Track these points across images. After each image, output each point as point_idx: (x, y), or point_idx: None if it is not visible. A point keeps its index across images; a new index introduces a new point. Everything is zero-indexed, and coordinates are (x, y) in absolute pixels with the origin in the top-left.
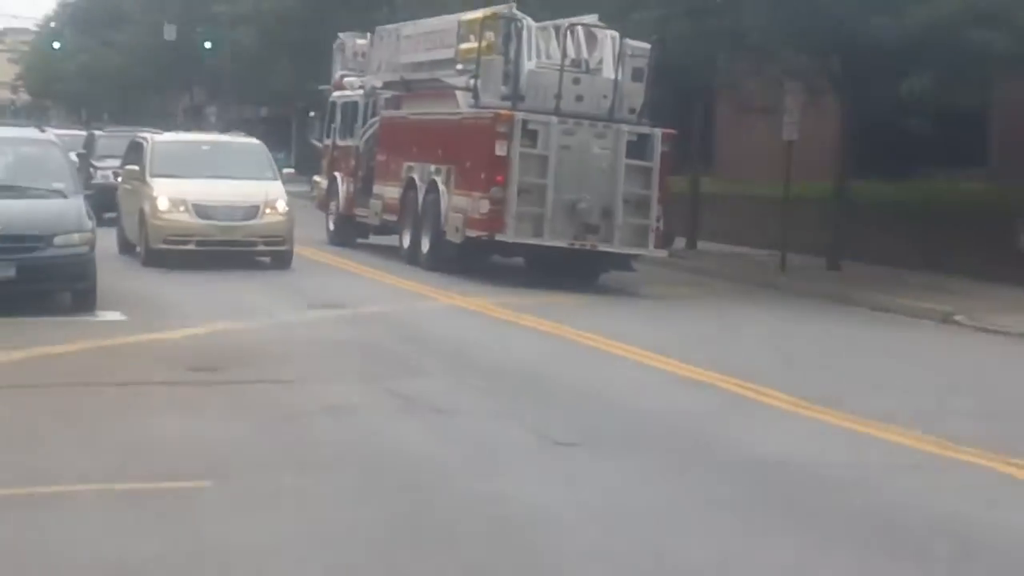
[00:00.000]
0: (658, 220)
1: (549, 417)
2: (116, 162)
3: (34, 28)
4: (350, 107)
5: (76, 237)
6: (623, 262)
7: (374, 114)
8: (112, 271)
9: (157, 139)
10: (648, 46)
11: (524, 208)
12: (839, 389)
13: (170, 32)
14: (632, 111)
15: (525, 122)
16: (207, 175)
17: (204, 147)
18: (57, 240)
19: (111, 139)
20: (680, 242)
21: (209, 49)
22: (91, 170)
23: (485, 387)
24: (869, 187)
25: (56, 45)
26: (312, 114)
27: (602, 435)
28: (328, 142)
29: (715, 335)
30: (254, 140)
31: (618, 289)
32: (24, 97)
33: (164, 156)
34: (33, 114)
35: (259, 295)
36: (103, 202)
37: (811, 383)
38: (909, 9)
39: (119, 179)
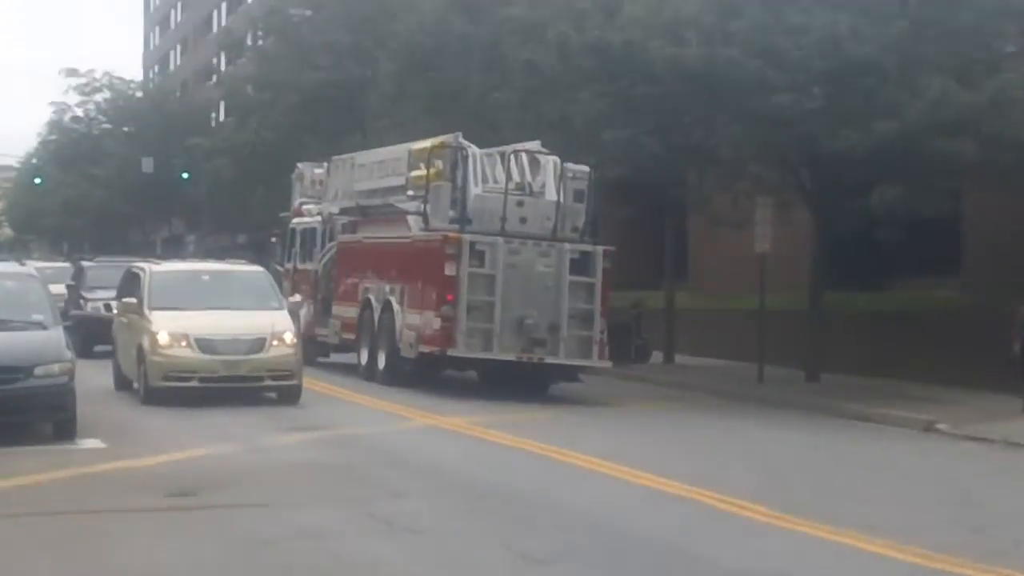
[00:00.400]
0: (602, 332)
1: (528, 535)
2: (106, 293)
3: (16, 164)
4: (309, 233)
5: (56, 367)
6: (570, 373)
7: (331, 239)
8: (95, 401)
9: (155, 269)
10: (587, 169)
11: (474, 324)
12: (822, 502)
13: (148, 165)
14: (575, 230)
15: (472, 243)
16: (209, 306)
17: (204, 277)
18: (37, 371)
19: (101, 269)
20: (657, 356)
21: (186, 180)
22: (80, 301)
23: (464, 507)
24: (844, 297)
25: (37, 181)
26: (274, 239)
27: (581, 552)
28: (289, 266)
29: (694, 448)
30: (257, 268)
31: (593, 402)
32: (6, 232)
33: (163, 287)
34: (15, 249)
35: (236, 418)
36: (94, 334)
37: (792, 496)
38: (876, 122)
39: (114, 311)
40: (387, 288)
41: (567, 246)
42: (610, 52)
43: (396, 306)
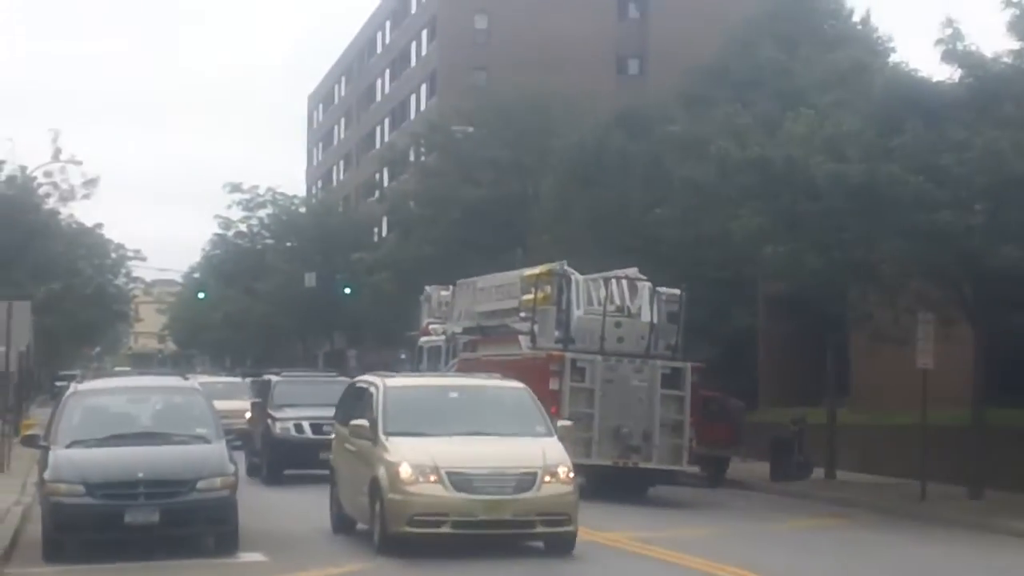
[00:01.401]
0: (691, 440)
1: None
2: (297, 411)
3: (179, 280)
4: (434, 350)
5: (218, 481)
6: (665, 477)
7: (454, 356)
8: (304, 539)
9: (390, 384)
10: (679, 292)
11: (576, 433)
12: None
13: (310, 280)
14: (668, 347)
15: (574, 361)
16: (461, 431)
17: (453, 393)
18: (200, 484)
19: (290, 385)
20: (818, 472)
21: (348, 294)
22: (268, 421)
23: None
24: (1008, 413)
25: (201, 295)
26: (403, 356)
27: None
28: None
29: (867, 568)
30: (517, 384)
31: (755, 517)
32: (171, 346)
33: (401, 407)
34: (179, 362)
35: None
36: (285, 457)
37: None
38: None
39: (330, 434)
40: None
41: (659, 363)
42: (771, 168)
43: None
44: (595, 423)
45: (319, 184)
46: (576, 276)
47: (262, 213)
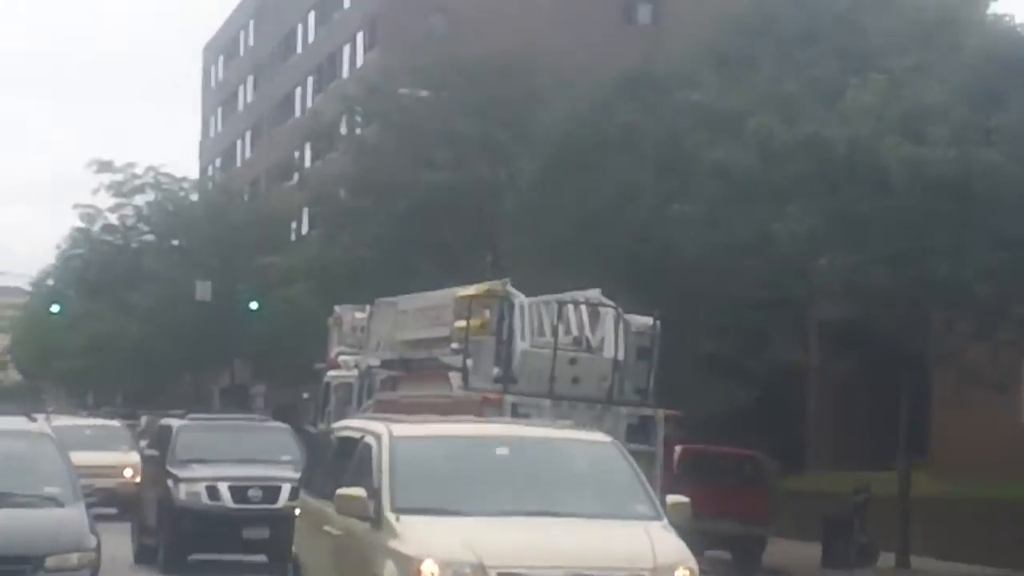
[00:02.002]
0: (664, 504)
1: None
2: (209, 470)
3: (26, 288)
4: (344, 388)
5: (75, 559)
6: None
7: (369, 396)
8: None
9: (398, 432)
10: (651, 321)
11: None
12: None
13: (204, 291)
14: (638, 391)
15: (515, 406)
16: (516, 510)
17: (501, 449)
18: (49, 563)
19: (200, 432)
20: (887, 558)
21: (255, 311)
22: (168, 483)
23: None
24: None
25: (55, 309)
26: (306, 395)
27: None
28: (322, 427)
29: None
30: (601, 436)
31: None
32: (13, 375)
33: (419, 469)
34: (24, 398)
35: None
36: (190, 535)
37: None
38: None
39: (257, 502)
40: None
41: (624, 410)
42: (829, 152)
43: None
44: None
45: (217, 163)
46: (521, 299)
47: (140, 201)
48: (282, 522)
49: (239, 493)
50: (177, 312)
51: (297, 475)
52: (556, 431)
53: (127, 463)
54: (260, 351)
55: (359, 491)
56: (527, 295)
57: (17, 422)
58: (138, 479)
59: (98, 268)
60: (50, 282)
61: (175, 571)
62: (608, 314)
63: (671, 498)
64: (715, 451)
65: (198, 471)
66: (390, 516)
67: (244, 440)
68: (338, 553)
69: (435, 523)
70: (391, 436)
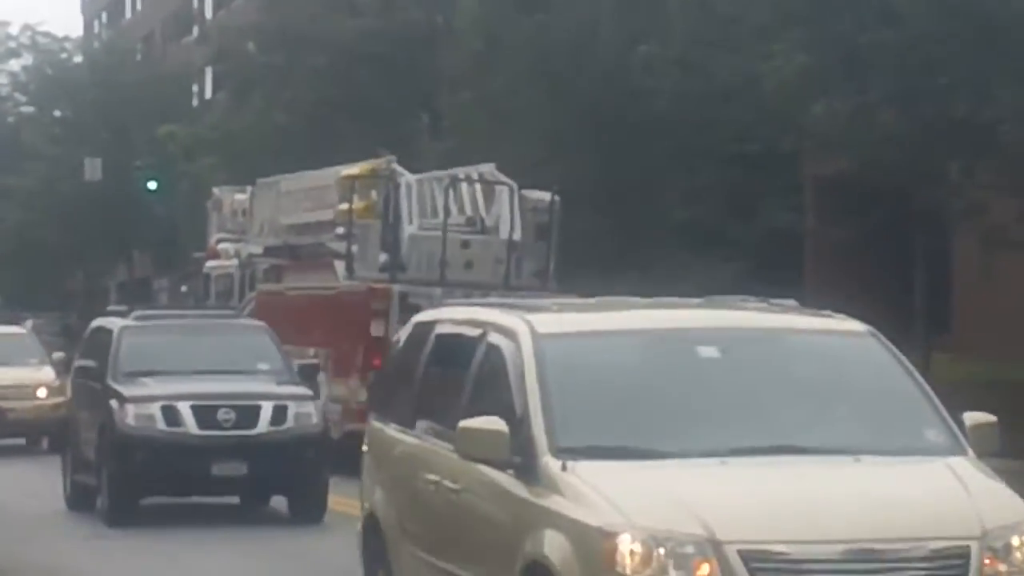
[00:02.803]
0: None
1: None
2: (164, 386)
3: None
4: (225, 279)
5: None
6: None
7: (251, 288)
8: None
9: (542, 326)
10: (549, 197)
11: None
12: None
13: (94, 170)
14: (538, 274)
15: (404, 295)
16: (745, 447)
17: (706, 349)
18: None
19: (150, 333)
20: None
21: (154, 191)
22: (112, 404)
23: None
24: None
25: None
26: (184, 288)
27: None
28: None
29: None
30: (859, 326)
31: None
32: None
33: (585, 385)
34: None
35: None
36: (142, 474)
37: None
38: None
39: (228, 426)
40: (311, 352)
41: (522, 295)
42: None
43: (320, 374)
44: None
45: (103, 18)
46: (408, 178)
47: (15, 65)
48: (263, 454)
49: (206, 416)
50: (63, 195)
51: (281, 389)
52: (785, 317)
53: (40, 381)
54: (162, 239)
55: (497, 424)
56: (473, 163)
57: None
58: (59, 399)
59: None
60: None
61: (123, 520)
62: (503, 191)
63: (971, 416)
64: None
65: (150, 387)
66: (550, 463)
67: (209, 344)
68: (457, 516)
69: (626, 472)
70: (534, 334)
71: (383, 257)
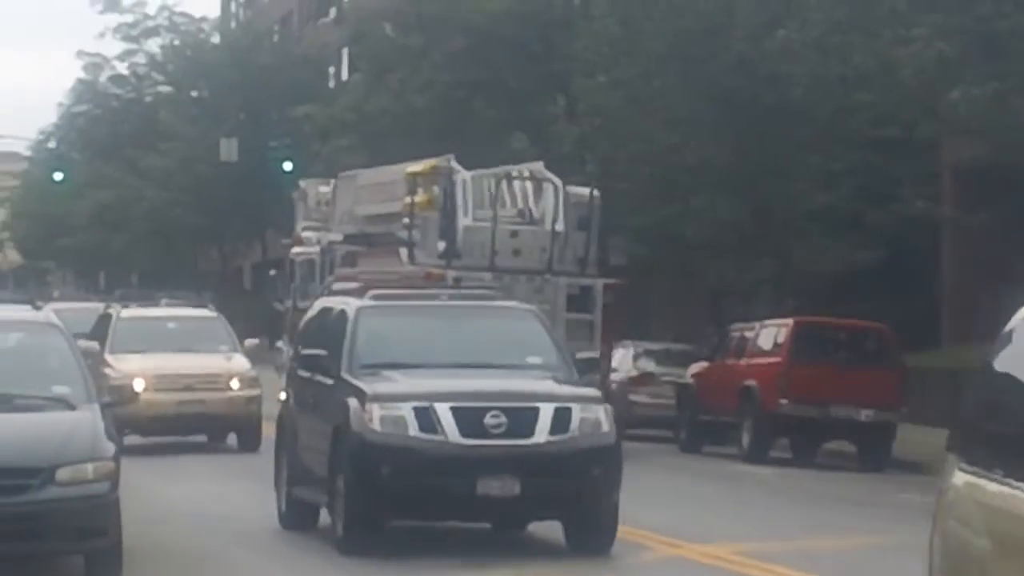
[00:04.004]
0: (602, 372)
1: None
2: (418, 380)
3: (24, 154)
4: (307, 265)
5: (90, 470)
6: None
7: (330, 272)
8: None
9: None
10: (589, 192)
11: None
12: None
13: (229, 150)
14: (579, 261)
15: (457, 280)
16: None
17: None
18: (61, 475)
19: (393, 317)
20: None
21: (289, 173)
22: (351, 402)
23: None
24: None
25: (58, 177)
26: (273, 272)
27: None
28: (289, 304)
29: None
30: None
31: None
32: (12, 256)
33: None
34: (25, 282)
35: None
36: (386, 489)
37: None
38: None
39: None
40: None
41: (563, 280)
42: None
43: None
44: None
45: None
46: (464, 174)
47: (153, 46)
48: (541, 469)
49: (470, 420)
50: (199, 175)
51: (561, 388)
52: None
53: (233, 371)
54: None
55: None
56: (608, 146)
57: (18, 311)
58: (253, 391)
59: (106, 126)
60: (52, 145)
61: (361, 547)
62: (549, 187)
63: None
64: (834, 324)
65: (399, 383)
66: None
67: (469, 331)
68: None
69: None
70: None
71: (441, 245)
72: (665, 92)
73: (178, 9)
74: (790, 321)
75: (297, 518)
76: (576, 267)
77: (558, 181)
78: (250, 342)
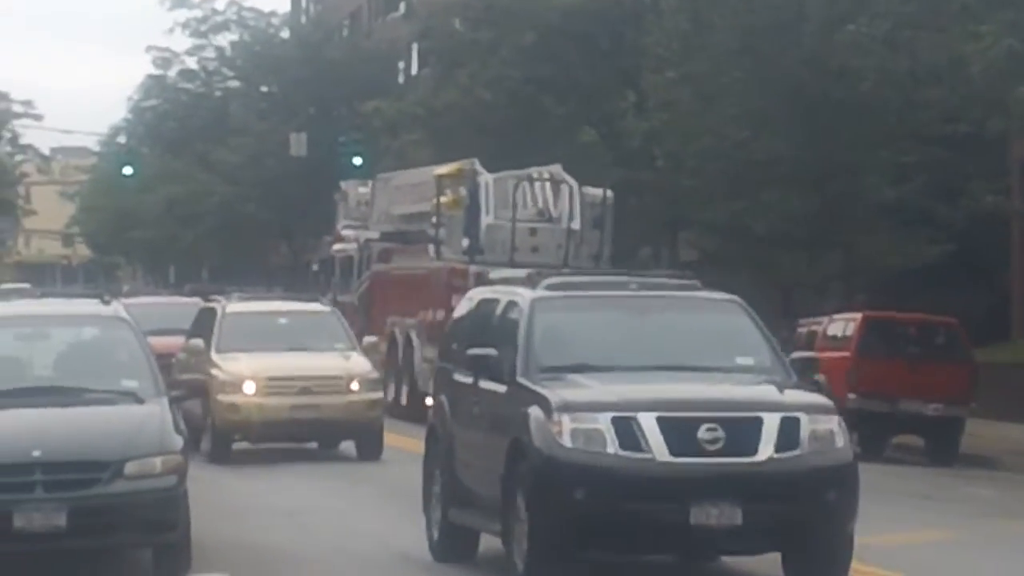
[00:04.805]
0: None
1: None
2: (614, 385)
3: (94, 149)
4: (347, 261)
5: (158, 463)
6: None
7: (368, 268)
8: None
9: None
10: (602, 192)
11: None
12: None
13: (299, 145)
14: (594, 257)
15: (479, 274)
16: None
17: None
18: (129, 468)
19: (571, 312)
20: None
21: (359, 167)
22: (533, 412)
23: None
24: None
25: (128, 171)
26: (315, 267)
27: None
28: (329, 298)
29: None
30: None
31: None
32: (82, 251)
33: None
34: (96, 276)
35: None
36: (581, 519)
37: None
38: None
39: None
40: (408, 321)
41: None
42: None
43: (415, 340)
44: None
45: None
46: (486, 176)
47: (222, 41)
48: (766, 493)
49: (681, 433)
50: (269, 170)
51: (785, 395)
52: None
53: (353, 372)
54: None
55: None
56: (677, 141)
57: (88, 305)
58: (374, 395)
59: (176, 121)
60: (121, 140)
61: None
62: (566, 188)
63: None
64: (903, 318)
65: (591, 389)
66: None
67: (663, 324)
68: None
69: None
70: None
71: (465, 242)
72: (734, 87)
73: (247, 4)
74: (858, 315)
75: (454, 547)
76: (591, 262)
77: (574, 183)
78: (369, 340)
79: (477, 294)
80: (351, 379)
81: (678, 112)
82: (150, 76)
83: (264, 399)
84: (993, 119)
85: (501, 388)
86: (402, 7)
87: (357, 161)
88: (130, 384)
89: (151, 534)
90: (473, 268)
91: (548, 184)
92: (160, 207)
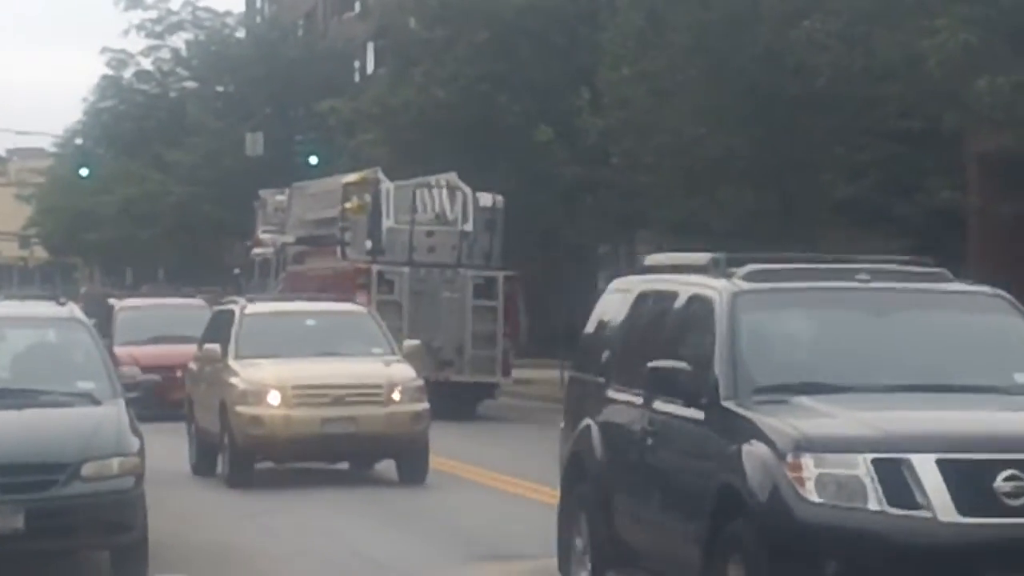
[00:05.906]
0: (504, 352)
1: None
2: (867, 411)
3: (50, 150)
4: (265, 264)
5: (115, 464)
6: (485, 391)
7: (284, 269)
8: (178, 516)
9: None
10: (496, 197)
11: None
12: None
13: (255, 144)
14: (486, 257)
15: (381, 273)
16: None
17: None
18: (86, 470)
19: (785, 310)
20: None
21: (315, 166)
22: (755, 452)
23: None
24: None
25: (84, 172)
26: (237, 271)
27: None
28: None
29: None
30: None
31: None
32: (39, 253)
33: None
34: (53, 277)
35: (378, 535)
36: None
37: None
38: None
39: None
40: None
41: (470, 273)
42: None
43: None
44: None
45: None
46: (387, 184)
47: (177, 41)
48: None
49: (973, 484)
50: (225, 170)
51: None
52: None
53: (395, 380)
54: None
55: None
56: (634, 138)
57: (44, 307)
58: (418, 406)
59: (132, 122)
60: (78, 141)
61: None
62: (459, 194)
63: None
64: None
65: (840, 419)
66: None
67: (912, 328)
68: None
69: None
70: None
71: (368, 244)
72: (690, 84)
73: (202, 4)
74: None
75: None
76: (482, 261)
77: (468, 189)
78: (410, 343)
79: (632, 285)
80: (392, 388)
81: (634, 109)
82: (105, 77)
83: (291, 411)
84: (950, 114)
85: (696, 414)
86: (357, 6)
87: (313, 160)
88: (86, 386)
89: (109, 536)
90: (375, 267)
91: (444, 191)
92: (117, 208)
